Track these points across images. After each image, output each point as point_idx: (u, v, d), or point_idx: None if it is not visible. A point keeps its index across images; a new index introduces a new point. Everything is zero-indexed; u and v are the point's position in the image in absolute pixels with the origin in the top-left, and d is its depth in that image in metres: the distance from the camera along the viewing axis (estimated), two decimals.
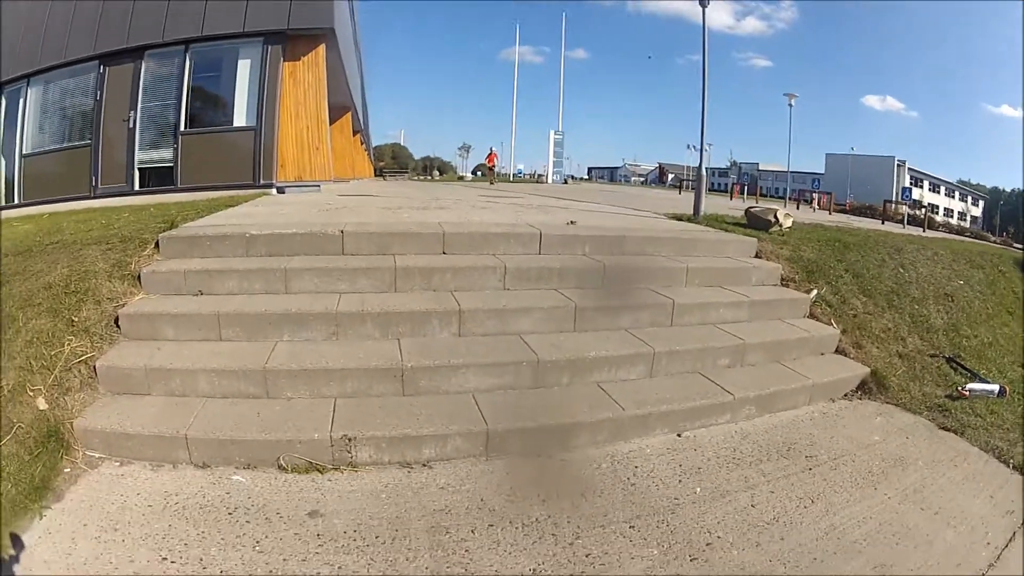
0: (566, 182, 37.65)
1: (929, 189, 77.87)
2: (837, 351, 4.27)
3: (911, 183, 72.44)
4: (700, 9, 7.84)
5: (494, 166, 24.66)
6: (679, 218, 7.21)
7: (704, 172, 7.88)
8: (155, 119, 9.46)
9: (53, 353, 2.81)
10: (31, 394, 2.58)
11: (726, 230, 6.10)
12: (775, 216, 6.45)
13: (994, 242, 23.97)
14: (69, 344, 2.86)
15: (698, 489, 2.53)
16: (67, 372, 2.76)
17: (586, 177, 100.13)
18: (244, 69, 9.33)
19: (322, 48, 9.79)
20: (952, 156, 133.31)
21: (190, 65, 9.38)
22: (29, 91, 10.21)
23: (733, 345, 3.72)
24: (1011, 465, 3.07)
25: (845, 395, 3.80)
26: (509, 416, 2.77)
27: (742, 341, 3.75)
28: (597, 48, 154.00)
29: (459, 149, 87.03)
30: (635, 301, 3.97)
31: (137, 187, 9.32)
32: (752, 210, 6.83)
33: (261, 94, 9.10)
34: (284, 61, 9.25)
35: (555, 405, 2.93)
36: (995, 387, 4.14)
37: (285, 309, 3.26)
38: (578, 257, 4.46)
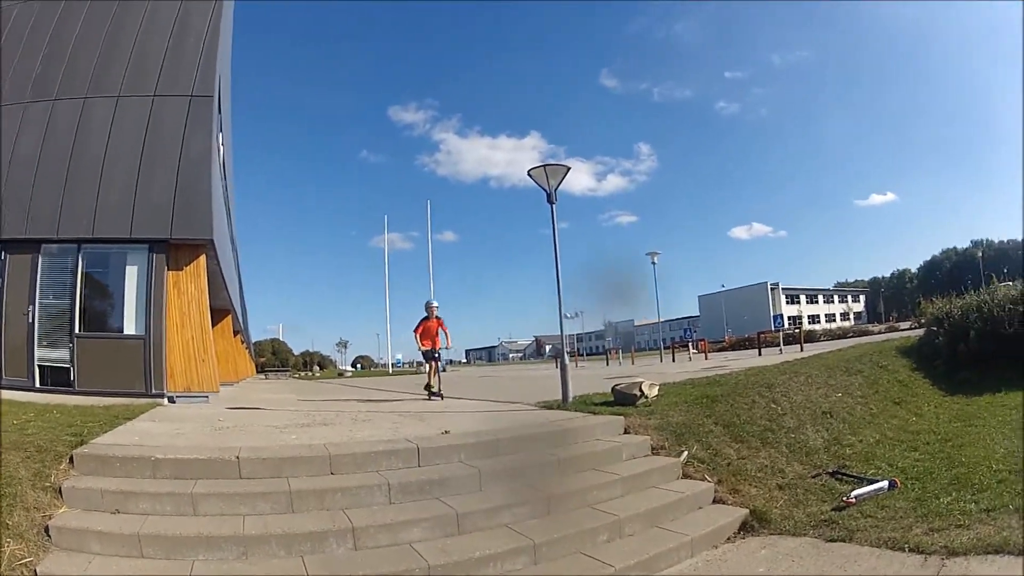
0: (444, 370, 38.27)
1: (807, 302, 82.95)
2: (715, 501, 4.79)
3: (787, 301, 77.24)
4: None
5: (436, 346, 10.25)
6: (550, 406, 7.46)
7: (567, 361, 8.08)
8: (52, 317, 9.54)
9: None
10: None
11: (595, 412, 6.57)
12: (640, 389, 6.98)
13: (878, 331, 24.59)
14: (8, 546, 3.26)
15: None
16: (12, 572, 3.10)
17: (464, 360, 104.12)
18: (132, 276, 9.64)
19: (203, 259, 10.01)
20: (830, 260, 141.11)
21: (83, 266, 9.58)
22: None
23: (609, 522, 4.22)
24: (907, 548, 3.35)
25: (728, 539, 4.23)
26: None
27: (617, 516, 4.28)
28: (464, 229, 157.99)
29: (337, 345, 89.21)
30: (513, 499, 4.46)
31: (38, 383, 9.30)
32: (618, 387, 7.29)
33: (148, 302, 9.43)
34: (168, 270, 9.57)
35: None
36: (883, 484, 4.37)
37: (197, 532, 3.62)
38: (455, 465, 4.86)
